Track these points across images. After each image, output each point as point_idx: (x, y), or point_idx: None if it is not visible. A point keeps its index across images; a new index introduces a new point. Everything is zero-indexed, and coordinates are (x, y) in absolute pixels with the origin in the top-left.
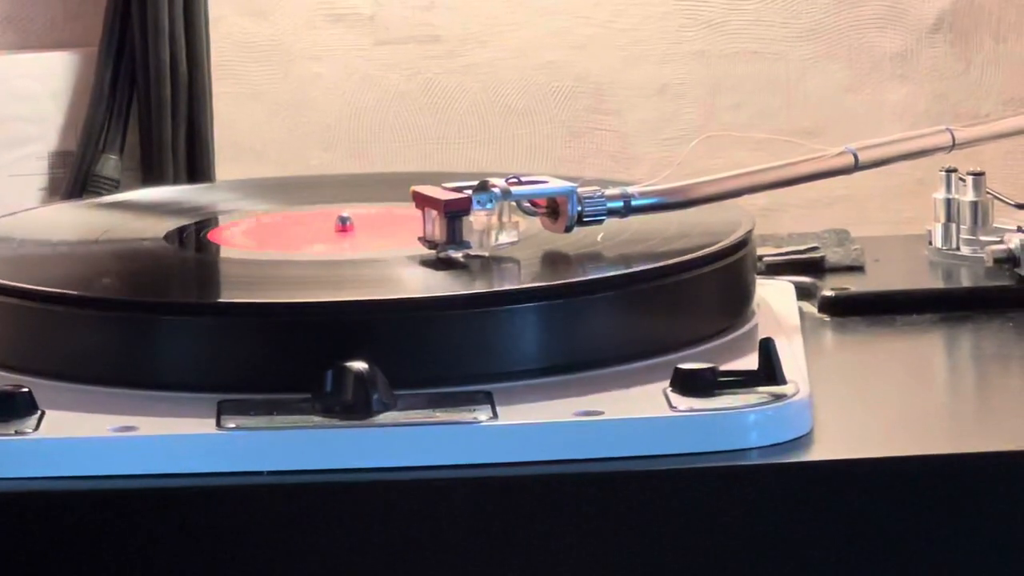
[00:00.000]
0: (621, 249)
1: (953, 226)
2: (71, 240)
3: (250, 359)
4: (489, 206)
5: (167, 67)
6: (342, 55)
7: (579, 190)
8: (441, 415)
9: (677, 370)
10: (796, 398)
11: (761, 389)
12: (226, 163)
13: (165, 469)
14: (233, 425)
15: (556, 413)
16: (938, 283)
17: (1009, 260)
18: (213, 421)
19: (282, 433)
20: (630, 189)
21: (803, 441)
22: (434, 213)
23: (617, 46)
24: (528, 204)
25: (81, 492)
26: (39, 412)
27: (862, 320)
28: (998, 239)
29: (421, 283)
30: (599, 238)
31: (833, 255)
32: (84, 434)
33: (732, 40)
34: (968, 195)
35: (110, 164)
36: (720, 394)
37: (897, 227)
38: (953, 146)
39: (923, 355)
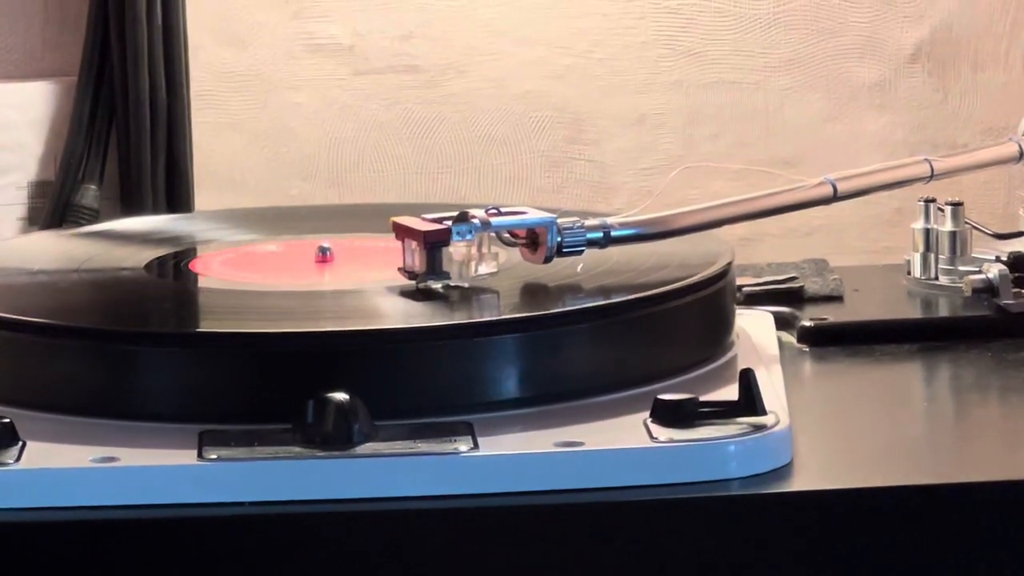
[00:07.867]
0: (600, 280)
1: (932, 256)
2: (51, 270)
3: (231, 390)
4: (469, 237)
5: (146, 97)
6: (321, 85)
7: (558, 221)
8: (422, 446)
9: (657, 401)
10: (776, 429)
11: (741, 420)
12: (205, 193)
13: (146, 500)
14: (214, 456)
15: (537, 444)
16: (916, 313)
17: (987, 290)
18: (194, 452)
19: (263, 464)
20: (609, 220)
21: (783, 472)
22: (414, 244)
23: (595, 76)
24: (508, 235)
25: (62, 523)
26: (20, 443)
27: (841, 350)
28: (976, 269)
29: (401, 314)
30: (578, 269)
31: (812, 285)
32: (65, 465)
33: (710, 70)
34: (946, 225)
35: (89, 194)
36: (700, 425)
37: (875, 257)
38: (931, 176)
39: (902, 385)
